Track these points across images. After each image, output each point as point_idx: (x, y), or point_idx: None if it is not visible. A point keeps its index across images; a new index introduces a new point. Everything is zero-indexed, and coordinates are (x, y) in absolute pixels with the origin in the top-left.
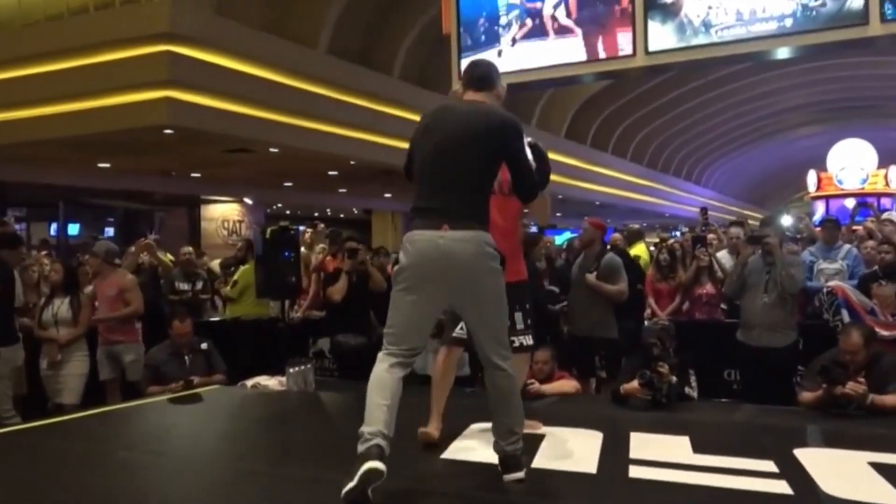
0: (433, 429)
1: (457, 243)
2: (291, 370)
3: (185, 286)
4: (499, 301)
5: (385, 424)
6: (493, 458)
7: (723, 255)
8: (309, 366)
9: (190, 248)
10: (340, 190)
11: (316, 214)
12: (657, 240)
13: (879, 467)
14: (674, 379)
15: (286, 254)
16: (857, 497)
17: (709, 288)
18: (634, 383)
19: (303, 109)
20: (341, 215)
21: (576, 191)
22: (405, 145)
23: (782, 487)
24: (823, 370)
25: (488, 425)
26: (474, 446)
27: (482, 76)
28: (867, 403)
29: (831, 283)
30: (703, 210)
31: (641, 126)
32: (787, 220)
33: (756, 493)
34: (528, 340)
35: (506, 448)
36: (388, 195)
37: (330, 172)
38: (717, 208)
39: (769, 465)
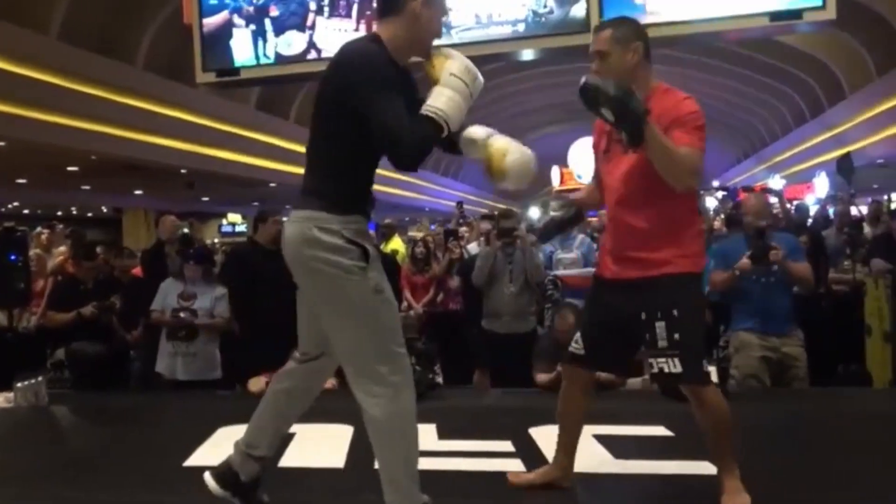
0: (551, 468)
1: (287, 226)
2: (19, 384)
3: None
4: (337, 308)
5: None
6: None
7: (473, 248)
8: (40, 379)
9: None
10: (84, 187)
11: (59, 213)
12: (419, 233)
13: (601, 438)
14: (418, 368)
15: (12, 257)
16: (581, 468)
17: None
18: None
19: (33, 99)
20: (89, 214)
21: None
22: (154, 139)
23: (516, 465)
24: (558, 353)
25: (237, 429)
26: (219, 452)
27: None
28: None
29: (559, 272)
30: (460, 204)
31: None
32: (534, 213)
33: (492, 473)
34: (674, 366)
35: None
36: (139, 192)
37: (69, 168)
38: (474, 202)
39: (507, 445)
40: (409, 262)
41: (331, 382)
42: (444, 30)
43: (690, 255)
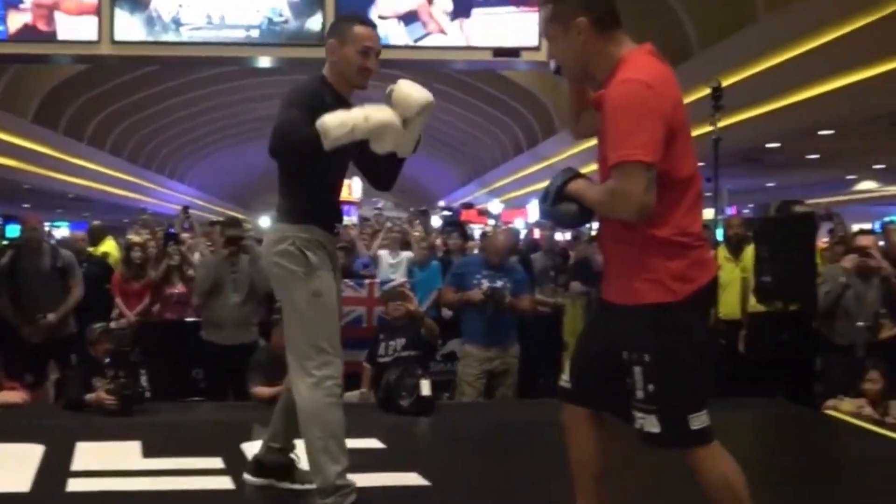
0: None
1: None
2: None
3: None
4: (284, 303)
5: None
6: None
7: (195, 257)
8: None
9: None
10: None
11: None
12: (138, 237)
13: None
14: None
15: None
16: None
17: (180, 287)
18: (101, 392)
19: None
20: None
21: (47, 181)
22: None
23: (225, 483)
24: (275, 367)
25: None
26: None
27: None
28: None
29: None
30: (185, 209)
31: (122, 118)
32: (264, 221)
33: (200, 492)
34: (652, 424)
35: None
36: None
37: None
38: (202, 207)
39: (217, 462)
40: (123, 267)
41: (21, 397)
42: (173, 26)
43: (667, 278)
